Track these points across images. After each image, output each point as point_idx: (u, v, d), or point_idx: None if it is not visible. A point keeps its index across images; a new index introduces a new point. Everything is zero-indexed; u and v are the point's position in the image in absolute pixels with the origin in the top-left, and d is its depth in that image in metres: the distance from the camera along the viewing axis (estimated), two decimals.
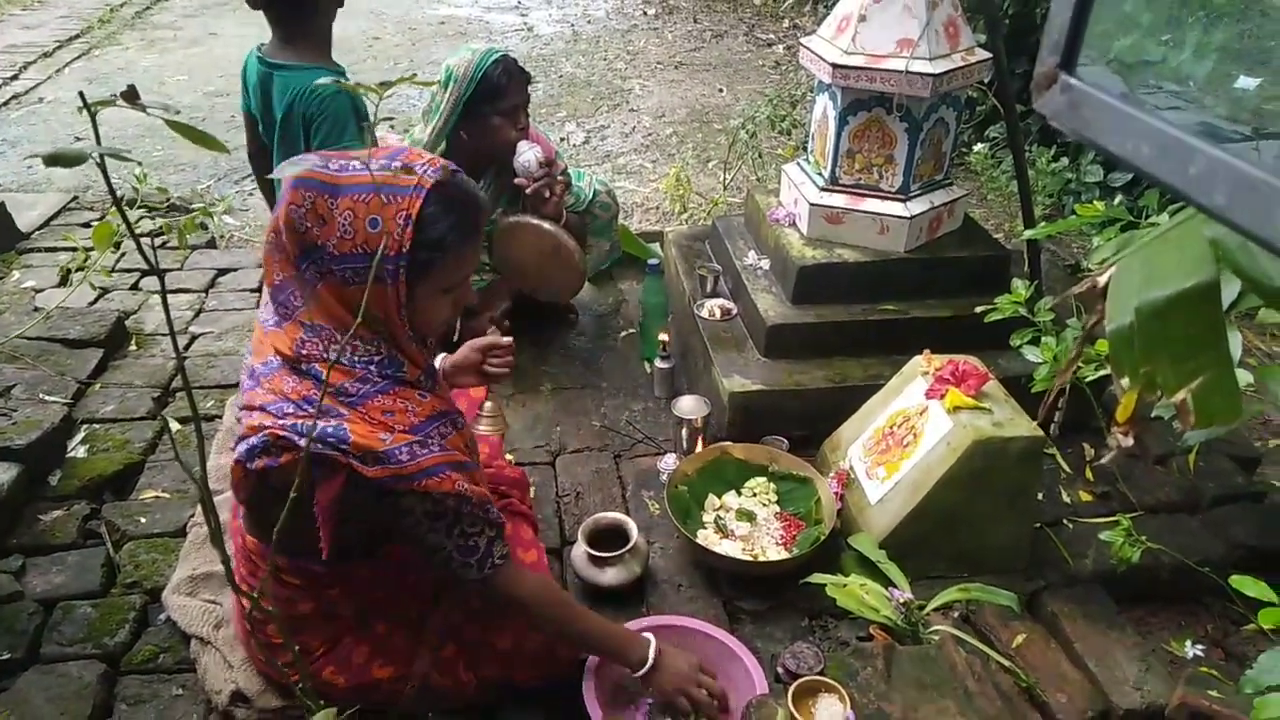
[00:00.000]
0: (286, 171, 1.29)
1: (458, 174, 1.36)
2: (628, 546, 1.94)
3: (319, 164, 1.30)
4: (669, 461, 2.33)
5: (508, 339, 1.87)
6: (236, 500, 1.49)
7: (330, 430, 1.27)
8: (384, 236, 1.27)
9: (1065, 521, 2.14)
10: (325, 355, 1.32)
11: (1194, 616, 2.02)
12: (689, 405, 2.34)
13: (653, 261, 2.77)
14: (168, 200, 3.57)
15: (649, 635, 1.61)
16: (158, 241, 3.38)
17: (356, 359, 1.33)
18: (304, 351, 1.32)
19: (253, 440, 1.32)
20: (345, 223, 1.27)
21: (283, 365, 1.35)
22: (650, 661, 1.57)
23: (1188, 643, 1.90)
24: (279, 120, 2.27)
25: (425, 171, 1.30)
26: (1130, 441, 0.86)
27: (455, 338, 2.65)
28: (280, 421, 1.30)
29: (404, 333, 1.36)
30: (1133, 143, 0.57)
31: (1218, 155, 0.50)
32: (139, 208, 3.44)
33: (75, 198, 3.78)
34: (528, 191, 2.53)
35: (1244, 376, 1.52)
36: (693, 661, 1.63)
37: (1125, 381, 0.83)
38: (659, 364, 2.62)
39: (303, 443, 1.26)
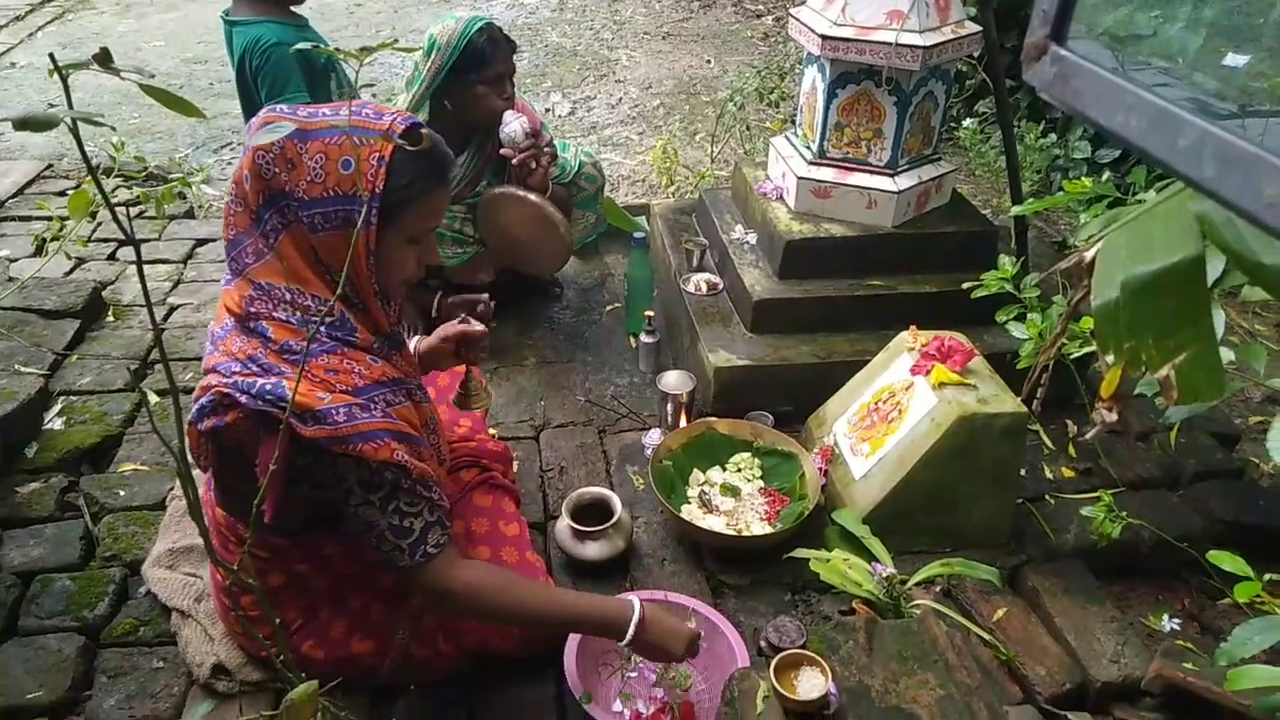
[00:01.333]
0: (264, 138, 1.27)
1: (423, 125, 1.34)
2: (611, 521, 1.94)
3: (287, 112, 1.29)
4: (653, 436, 2.33)
5: (479, 327, 1.79)
6: (198, 466, 1.47)
7: (269, 387, 1.24)
8: (357, 178, 1.25)
9: (1047, 497, 2.15)
10: (273, 314, 1.29)
11: (1172, 591, 2.04)
12: (674, 380, 2.33)
13: (639, 235, 2.75)
14: (145, 169, 3.51)
15: (632, 599, 1.54)
16: (135, 211, 3.33)
17: (307, 319, 1.30)
18: (252, 309, 1.30)
19: (201, 400, 1.30)
20: (316, 165, 1.26)
21: (235, 326, 1.33)
22: (631, 634, 1.49)
23: (1165, 617, 1.92)
24: (235, 74, 2.26)
25: (394, 119, 1.30)
26: (1114, 417, 0.86)
27: (435, 313, 2.63)
28: (226, 380, 1.28)
29: (369, 284, 1.34)
30: (1123, 115, 0.56)
31: (1207, 128, 0.49)
32: (115, 176, 3.38)
33: (50, 165, 3.72)
34: (514, 162, 2.50)
35: (1226, 354, 1.53)
36: (680, 623, 1.58)
37: (1110, 357, 0.83)
38: (644, 338, 2.61)
39: (244, 400, 1.24)
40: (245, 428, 1.29)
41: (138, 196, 3.29)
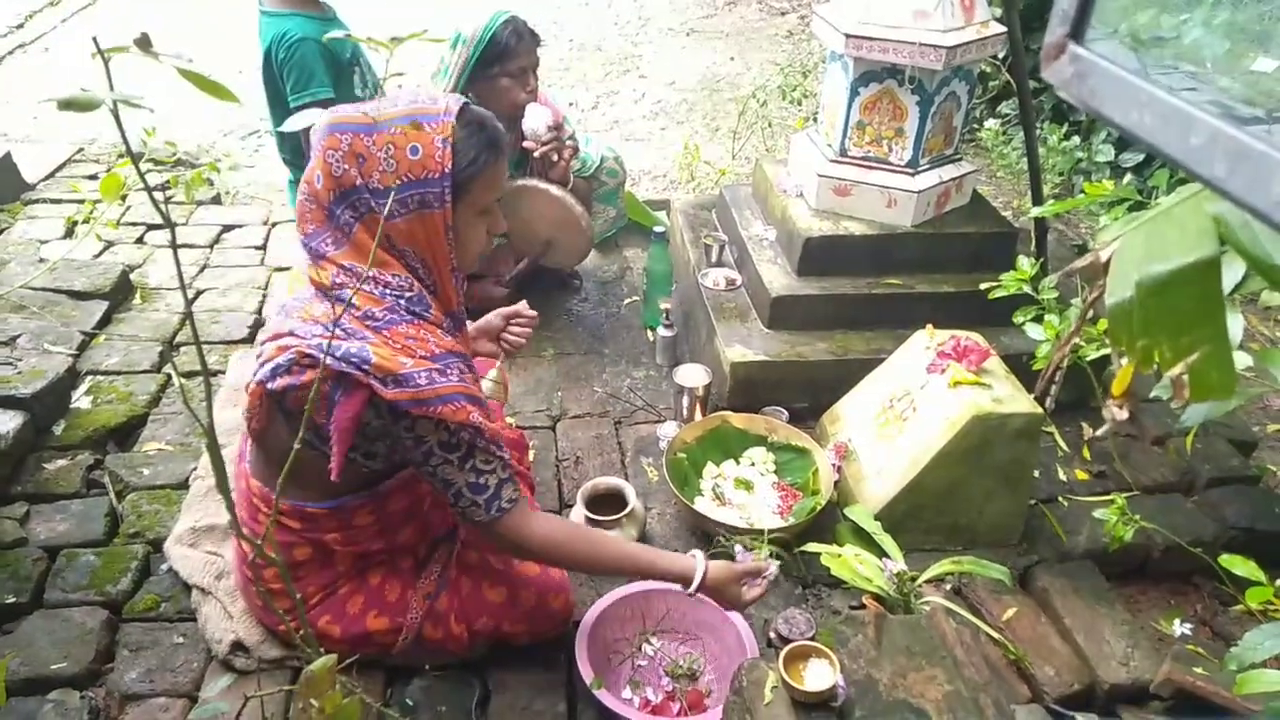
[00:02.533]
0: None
1: (471, 103, 1.43)
2: (625, 511, 1.96)
3: (350, 111, 1.37)
4: (669, 429, 2.35)
5: (532, 311, 1.92)
6: (249, 430, 1.50)
7: (354, 351, 1.30)
8: (426, 161, 1.33)
9: (1061, 499, 2.15)
10: (358, 285, 1.37)
11: (1184, 596, 2.04)
12: (690, 374, 2.35)
13: (658, 229, 2.76)
14: (175, 154, 3.57)
15: (699, 559, 1.60)
16: (163, 196, 3.37)
17: (387, 292, 1.38)
18: (338, 281, 1.38)
19: (278, 360, 1.36)
20: (385, 156, 1.33)
21: (315, 294, 1.40)
22: (696, 585, 1.58)
23: (1176, 621, 1.92)
24: (262, 64, 2.27)
25: (449, 102, 1.39)
26: (1125, 415, 0.87)
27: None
28: (308, 342, 1.34)
29: (448, 260, 1.42)
30: (1137, 113, 0.58)
31: (1219, 126, 0.50)
32: (146, 161, 3.43)
33: (81, 149, 3.78)
34: (535, 155, 2.52)
35: (1245, 359, 1.52)
36: (736, 571, 1.64)
37: (1123, 356, 0.84)
38: (661, 332, 2.63)
39: (328, 361, 1.30)
40: (321, 391, 1.34)
41: (167, 181, 3.34)
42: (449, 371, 1.38)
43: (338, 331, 1.33)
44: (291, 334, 1.37)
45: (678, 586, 1.80)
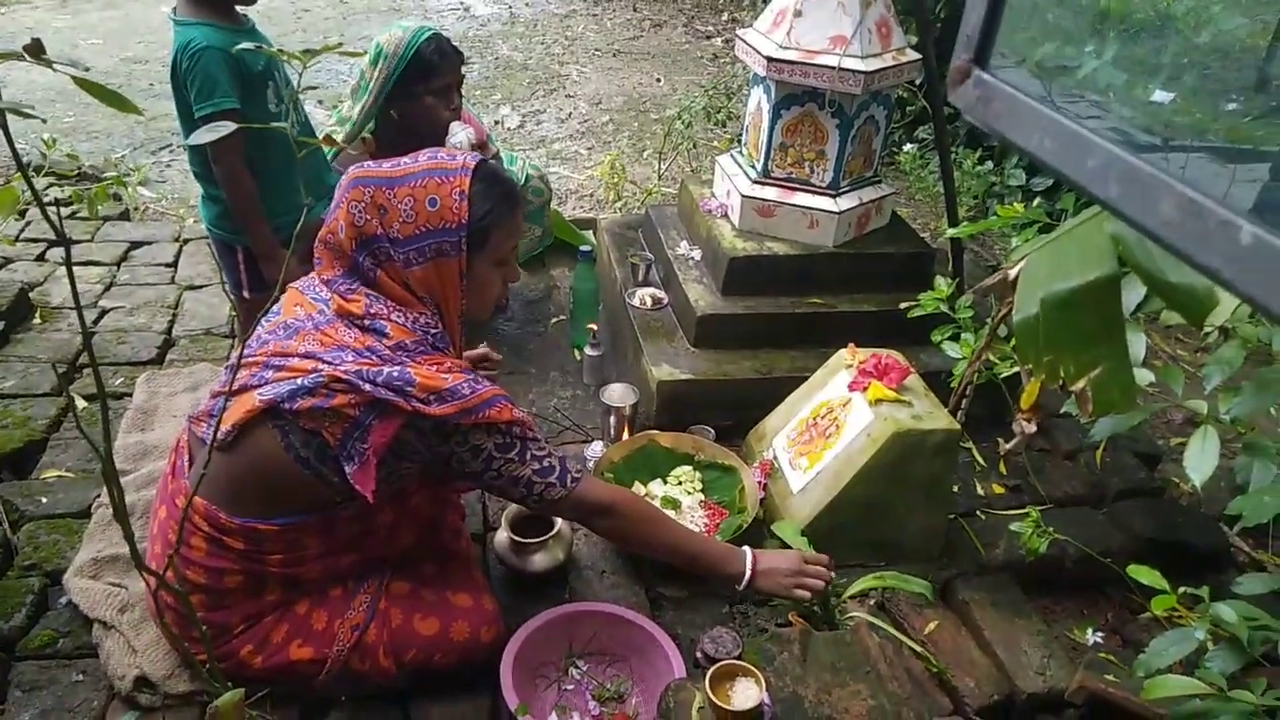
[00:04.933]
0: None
1: (486, 160, 1.51)
2: (551, 533, 1.93)
3: (374, 167, 1.47)
4: (596, 449, 2.33)
5: (498, 356, 2.04)
6: (216, 444, 1.39)
7: (396, 374, 1.37)
8: (444, 213, 1.41)
9: (979, 513, 2.20)
10: (390, 316, 1.45)
11: (1095, 605, 2.10)
12: (618, 393, 2.34)
13: (585, 248, 2.76)
14: (78, 168, 3.42)
15: (746, 549, 1.72)
16: (67, 211, 3.23)
17: (417, 327, 1.46)
18: (372, 310, 1.45)
19: (303, 380, 1.37)
20: (406, 208, 1.42)
21: (337, 319, 1.45)
22: (747, 576, 1.69)
23: (1089, 630, 1.98)
24: (170, 75, 2.20)
25: (466, 158, 1.48)
26: (1033, 428, 0.90)
27: None
28: (344, 369, 1.37)
29: (458, 306, 1.50)
30: (1037, 137, 0.59)
31: (1112, 150, 0.52)
32: (46, 174, 3.29)
33: None
34: None
35: (1147, 376, 1.59)
36: (791, 560, 1.74)
37: (1031, 371, 0.86)
38: (588, 351, 2.62)
39: (367, 388, 1.36)
40: (347, 415, 1.38)
41: (70, 196, 3.20)
42: (480, 381, 1.46)
43: (374, 358, 1.40)
44: (311, 356, 1.40)
45: (616, 609, 1.80)
